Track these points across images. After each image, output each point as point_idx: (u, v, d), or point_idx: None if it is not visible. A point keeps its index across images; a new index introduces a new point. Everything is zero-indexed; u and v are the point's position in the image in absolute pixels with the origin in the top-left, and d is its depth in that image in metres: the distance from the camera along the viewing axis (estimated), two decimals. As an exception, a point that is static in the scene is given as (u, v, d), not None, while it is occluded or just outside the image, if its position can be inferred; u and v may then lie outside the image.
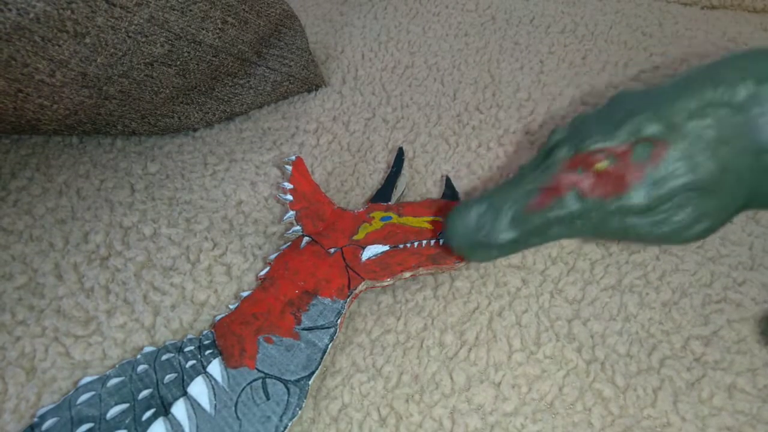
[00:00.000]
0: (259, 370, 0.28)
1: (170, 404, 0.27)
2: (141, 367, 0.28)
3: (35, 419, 0.26)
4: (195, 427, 0.25)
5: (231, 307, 0.31)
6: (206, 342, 0.29)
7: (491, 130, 0.45)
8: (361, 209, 0.37)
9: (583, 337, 0.31)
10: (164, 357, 0.29)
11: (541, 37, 0.55)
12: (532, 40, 0.55)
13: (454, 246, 0.31)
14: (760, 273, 0.33)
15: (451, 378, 0.29)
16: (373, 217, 0.36)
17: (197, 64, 0.40)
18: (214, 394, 0.27)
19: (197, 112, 0.44)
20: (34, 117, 0.36)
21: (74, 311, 0.33)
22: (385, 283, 0.33)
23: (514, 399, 0.28)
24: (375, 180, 0.42)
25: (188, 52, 0.38)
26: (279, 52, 0.46)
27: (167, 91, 0.40)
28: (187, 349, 0.29)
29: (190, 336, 0.30)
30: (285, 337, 0.29)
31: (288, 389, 0.27)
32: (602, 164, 0.28)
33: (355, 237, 0.34)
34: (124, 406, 0.27)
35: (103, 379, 0.28)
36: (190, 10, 0.36)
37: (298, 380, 0.28)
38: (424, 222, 0.35)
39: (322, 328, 0.30)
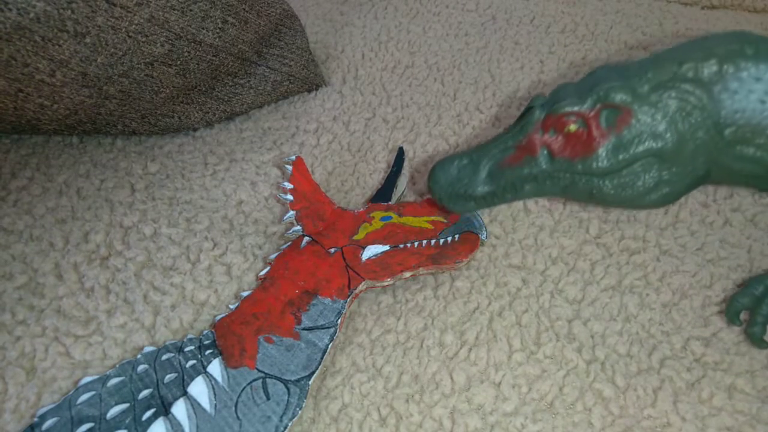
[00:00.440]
0: (259, 370, 0.28)
1: (170, 404, 0.27)
2: (141, 367, 0.28)
3: (35, 419, 0.26)
4: (195, 427, 0.25)
5: (231, 306, 0.31)
6: (206, 342, 0.29)
7: (491, 130, 0.45)
8: (362, 209, 0.37)
9: (584, 337, 0.31)
10: (164, 357, 0.29)
11: (542, 36, 0.55)
12: (532, 39, 0.55)
13: (436, 196, 0.33)
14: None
15: (451, 378, 0.29)
16: (374, 217, 0.36)
17: (197, 64, 0.40)
18: (215, 394, 0.27)
19: (197, 112, 0.44)
20: (35, 117, 0.36)
21: (74, 311, 0.33)
22: (386, 283, 0.33)
23: (514, 399, 0.28)
24: (375, 180, 0.42)
25: (188, 52, 0.38)
26: (279, 52, 0.46)
27: (167, 91, 0.40)
28: (187, 349, 0.29)
29: (190, 336, 0.30)
30: (285, 337, 0.29)
31: (288, 389, 0.27)
32: (572, 127, 0.30)
33: (356, 237, 0.34)
34: (125, 406, 0.27)
35: (104, 379, 0.28)
36: (191, 10, 0.36)
37: (298, 380, 0.28)
38: (424, 222, 0.35)
39: (322, 328, 0.30)
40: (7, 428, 0.27)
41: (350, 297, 0.31)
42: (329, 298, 0.31)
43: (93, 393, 0.27)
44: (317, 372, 0.28)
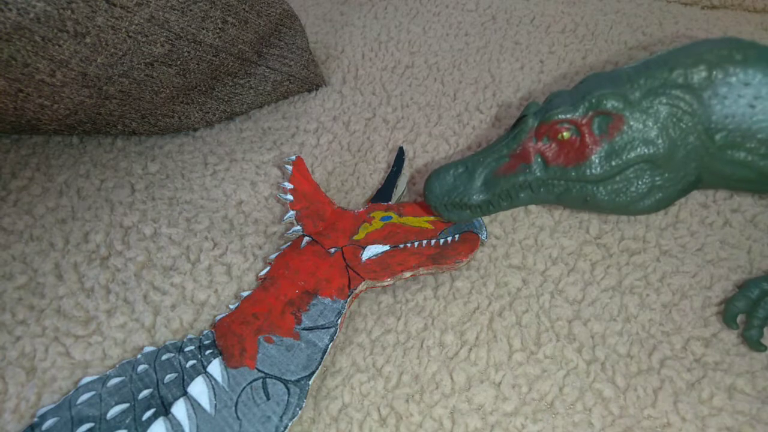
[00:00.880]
0: (259, 370, 0.28)
1: (170, 404, 0.27)
2: (141, 367, 0.28)
3: (35, 419, 0.26)
4: (195, 427, 0.25)
5: (231, 306, 0.31)
6: (206, 342, 0.29)
7: (491, 130, 0.45)
8: (362, 209, 0.37)
9: (584, 337, 0.31)
10: (164, 357, 0.29)
11: (542, 36, 0.55)
12: (532, 39, 0.55)
13: (431, 204, 0.33)
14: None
15: (452, 378, 0.29)
16: (374, 217, 0.36)
17: (197, 64, 0.40)
18: (215, 394, 0.27)
19: (197, 112, 0.44)
20: (35, 117, 0.36)
21: (74, 311, 0.33)
22: (386, 283, 0.33)
23: (514, 399, 0.28)
24: (375, 180, 0.42)
25: (188, 52, 0.38)
26: (279, 52, 0.46)
27: (167, 91, 0.40)
28: (187, 349, 0.29)
29: (190, 336, 0.30)
30: (285, 336, 0.29)
31: (288, 389, 0.27)
32: (565, 134, 0.31)
33: (356, 237, 0.34)
34: (125, 406, 0.27)
35: (104, 379, 0.28)
36: (191, 10, 0.36)
37: (298, 380, 0.28)
38: (424, 222, 0.35)
39: (322, 327, 0.30)
40: (7, 428, 0.27)
41: (350, 297, 0.31)
42: (329, 298, 0.31)
43: (93, 393, 0.27)
44: (317, 372, 0.28)
